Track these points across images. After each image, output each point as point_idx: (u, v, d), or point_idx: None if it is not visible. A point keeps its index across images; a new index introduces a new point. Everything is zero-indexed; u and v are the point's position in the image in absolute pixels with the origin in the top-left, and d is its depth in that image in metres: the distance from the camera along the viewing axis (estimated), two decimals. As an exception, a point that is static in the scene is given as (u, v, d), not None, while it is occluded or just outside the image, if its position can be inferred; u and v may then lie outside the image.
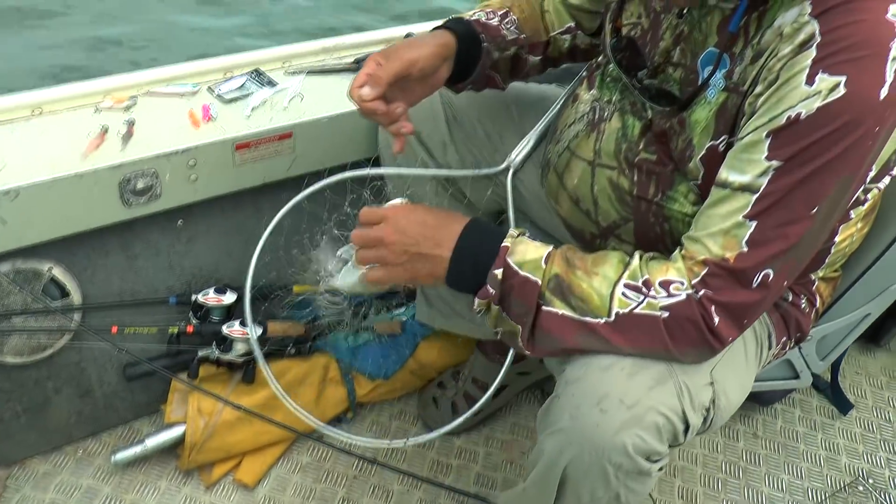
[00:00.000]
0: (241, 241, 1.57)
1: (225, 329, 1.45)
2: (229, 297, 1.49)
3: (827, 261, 1.13)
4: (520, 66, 1.26)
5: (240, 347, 1.47)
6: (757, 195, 0.85)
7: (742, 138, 0.87)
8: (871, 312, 1.31)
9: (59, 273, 1.37)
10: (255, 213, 1.56)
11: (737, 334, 0.92)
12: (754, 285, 0.88)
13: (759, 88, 0.86)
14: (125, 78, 1.46)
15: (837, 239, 1.09)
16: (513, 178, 1.33)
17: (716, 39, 0.94)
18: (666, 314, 0.88)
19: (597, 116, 1.11)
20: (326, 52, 1.62)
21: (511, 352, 1.21)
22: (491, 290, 0.95)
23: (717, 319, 0.89)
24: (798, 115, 0.81)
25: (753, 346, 1.12)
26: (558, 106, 1.32)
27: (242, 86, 1.49)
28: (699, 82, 0.95)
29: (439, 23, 1.18)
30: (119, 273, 1.46)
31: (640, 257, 0.94)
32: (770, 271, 0.88)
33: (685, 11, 0.98)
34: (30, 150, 1.28)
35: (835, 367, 1.79)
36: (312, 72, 1.56)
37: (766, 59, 0.86)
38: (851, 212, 1.05)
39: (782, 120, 0.82)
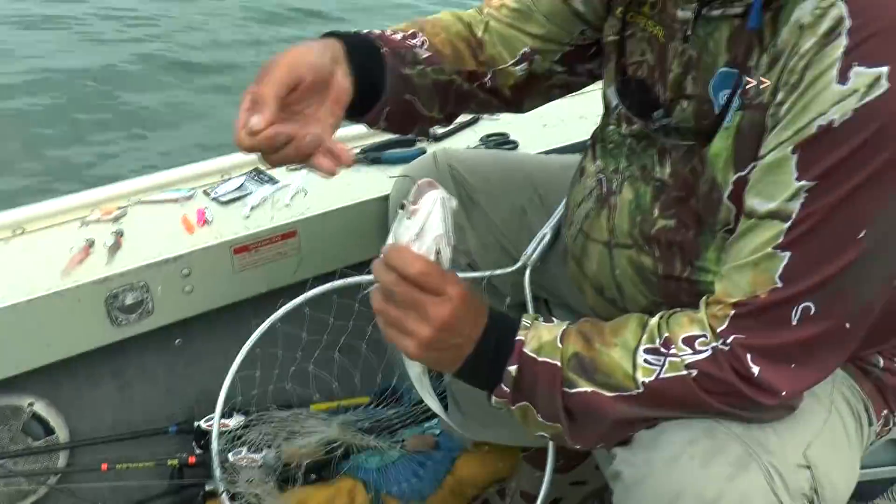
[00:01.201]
0: (247, 358, 1.41)
1: (231, 457, 1.27)
2: (236, 421, 1.32)
3: None
4: (448, 94, 1.04)
5: (250, 476, 1.28)
6: (789, 223, 0.71)
7: (764, 157, 0.74)
8: None
9: (41, 408, 1.21)
10: (257, 326, 1.41)
11: (787, 384, 0.75)
12: (794, 322, 0.73)
13: (780, 96, 0.72)
14: (114, 188, 1.35)
15: None
16: (531, 274, 1.17)
17: (726, 57, 0.81)
18: (694, 372, 0.75)
19: (605, 190, 0.97)
20: (331, 146, 1.51)
21: (551, 458, 1.02)
22: (505, 389, 0.83)
23: (756, 369, 0.74)
24: (830, 122, 0.67)
25: (852, 422, 0.92)
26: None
27: (241, 186, 1.38)
28: (715, 109, 0.82)
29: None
30: (111, 403, 1.30)
31: (662, 315, 0.81)
32: (811, 304, 0.73)
33: (689, 33, 0.84)
34: (7, 272, 1.16)
35: (943, 449, 1.53)
36: (316, 166, 1.45)
37: (786, 60, 0.72)
38: None
39: (812, 129, 0.68)
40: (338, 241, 1.36)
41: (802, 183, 0.70)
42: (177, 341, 1.33)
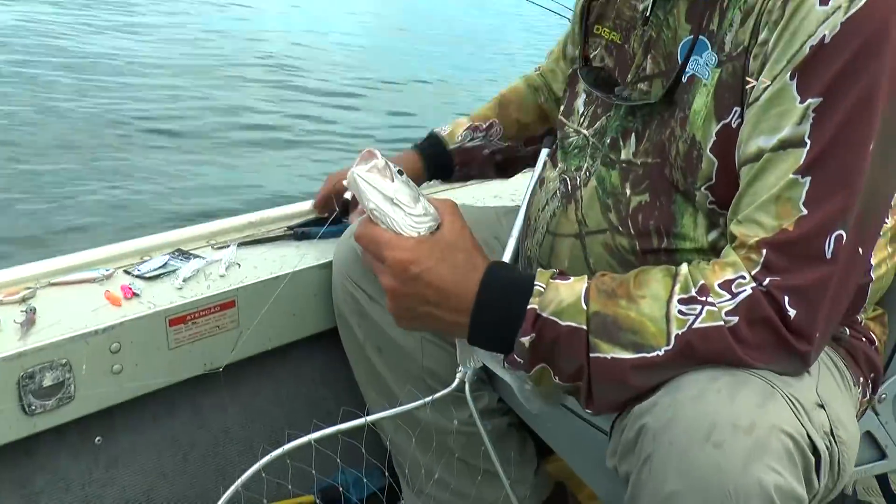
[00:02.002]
0: (178, 456, 1.23)
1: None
2: (175, 528, 1.12)
3: (869, 292, 0.98)
4: (515, 162, 1.32)
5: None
6: (806, 147, 0.73)
7: (759, 97, 0.77)
8: None
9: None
10: (193, 416, 1.25)
11: (820, 327, 0.75)
12: (828, 255, 0.73)
13: (762, 36, 0.77)
14: (14, 271, 1.18)
15: (873, 261, 0.95)
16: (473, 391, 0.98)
17: (688, 29, 0.87)
18: (733, 320, 0.73)
19: (569, 187, 1.00)
20: (253, 227, 1.43)
21: None
22: (519, 360, 0.80)
23: (792, 312, 0.72)
24: (821, 39, 0.72)
25: (839, 375, 0.92)
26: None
27: (165, 264, 1.26)
28: (683, 78, 0.86)
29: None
30: (14, 522, 1.06)
31: (690, 262, 0.79)
32: (842, 232, 0.73)
33: (648, 15, 0.92)
34: None
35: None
36: (244, 243, 1.36)
37: (761, 5, 0.78)
38: None
39: (805, 51, 0.73)
40: (279, 312, 1.26)
41: (808, 102, 0.73)
42: (97, 439, 1.13)
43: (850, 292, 0.79)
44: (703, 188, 0.84)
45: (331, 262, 1.29)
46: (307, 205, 1.53)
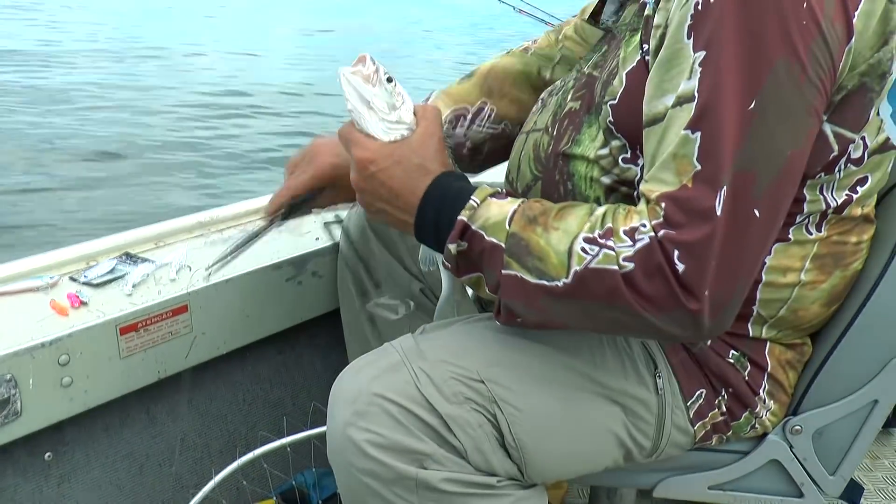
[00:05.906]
0: (134, 467, 1.20)
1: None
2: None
3: (758, 298, 0.90)
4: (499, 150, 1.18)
5: None
6: (695, 101, 0.73)
7: (659, 56, 0.78)
8: (879, 399, 0.96)
9: None
10: (148, 425, 1.21)
11: (709, 286, 0.72)
12: (718, 211, 0.72)
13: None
14: (-49, 283, 1.13)
15: (772, 262, 0.88)
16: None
17: None
18: (629, 265, 0.73)
19: (546, 95, 1.05)
20: (203, 227, 1.40)
21: None
22: (447, 264, 0.87)
23: (681, 266, 0.72)
24: None
25: (631, 365, 0.91)
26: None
27: (113, 269, 1.21)
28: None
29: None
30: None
31: (610, 206, 0.79)
32: (731, 187, 0.72)
33: None
34: None
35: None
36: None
37: None
38: (790, 230, 0.87)
39: (691, 9, 0.75)
40: (233, 314, 1.23)
41: (694, 56, 0.74)
42: (47, 455, 1.09)
43: (750, 259, 0.76)
44: (608, 103, 0.86)
45: (282, 263, 1.28)
46: (252, 203, 1.50)
